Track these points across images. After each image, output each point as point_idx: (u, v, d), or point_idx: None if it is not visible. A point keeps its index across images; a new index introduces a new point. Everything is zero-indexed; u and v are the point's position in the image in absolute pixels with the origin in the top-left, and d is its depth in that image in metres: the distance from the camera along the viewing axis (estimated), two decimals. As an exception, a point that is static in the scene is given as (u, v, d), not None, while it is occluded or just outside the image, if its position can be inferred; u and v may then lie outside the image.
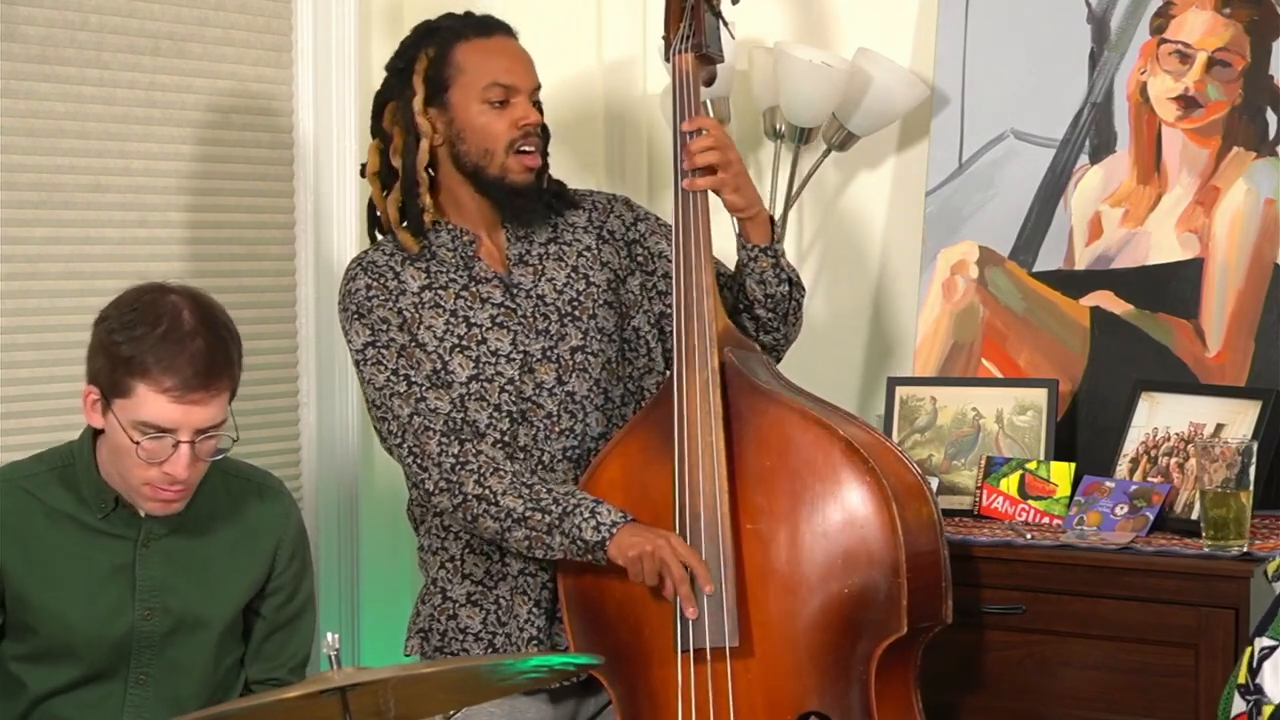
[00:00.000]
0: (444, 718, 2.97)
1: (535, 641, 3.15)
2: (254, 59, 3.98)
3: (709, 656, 2.99)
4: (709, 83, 3.24)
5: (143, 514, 2.96)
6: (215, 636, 3.02)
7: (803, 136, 3.88)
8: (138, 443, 2.84)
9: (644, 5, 4.07)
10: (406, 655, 3.27)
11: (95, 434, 2.96)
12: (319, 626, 3.79)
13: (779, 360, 3.29)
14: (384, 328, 3.11)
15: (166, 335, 2.84)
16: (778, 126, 3.89)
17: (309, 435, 4.09)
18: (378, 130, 3.21)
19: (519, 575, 3.15)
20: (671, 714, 3.02)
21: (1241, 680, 2.66)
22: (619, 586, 3.04)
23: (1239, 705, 2.66)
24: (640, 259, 3.27)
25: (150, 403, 2.83)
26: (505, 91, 3.13)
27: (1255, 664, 2.65)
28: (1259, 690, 2.64)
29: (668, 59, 3.21)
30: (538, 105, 3.19)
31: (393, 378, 3.09)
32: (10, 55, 3.55)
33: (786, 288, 3.19)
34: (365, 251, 3.20)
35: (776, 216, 3.85)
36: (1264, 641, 2.66)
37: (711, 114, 3.88)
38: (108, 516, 2.95)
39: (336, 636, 2.44)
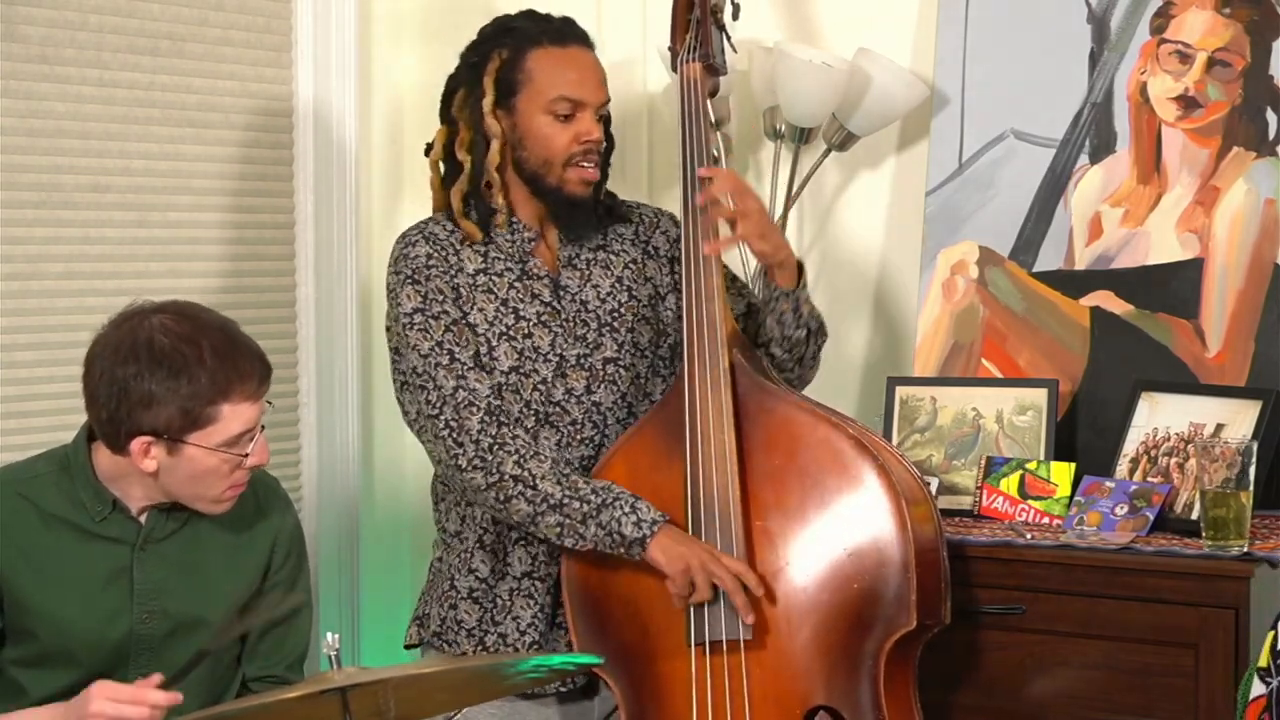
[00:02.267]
0: (445, 718, 2.97)
1: (534, 646, 3.15)
2: (254, 59, 3.98)
3: (724, 649, 3.02)
4: (713, 92, 3.28)
5: (141, 518, 2.96)
6: (213, 637, 3.02)
7: (803, 136, 3.88)
8: (242, 454, 2.88)
9: (644, 6, 4.07)
10: (406, 646, 3.27)
11: (90, 438, 2.95)
12: (319, 625, 3.78)
13: None
14: (438, 298, 3.11)
15: (217, 352, 2.86)
16: (778, 126, 3.90)
17: (309, 435, 4.09)
18: (445, 115, 3.21)
19: (522, 578, 3.16)
20: (679, 709, 3.04)
21: (1263, 664, 2.66)
22: (624, 585, 3.06)
23: (1258, 689, 2.65)
24: (679, 277, 3.26)
25: (239, 414, 2.87)
26: (571, 105, 3.13)
27: None
28: None
29: (674, 69, 3.25)
30: (605, 119, 3.19)
31: (437, 348, 3.09)
32: (10, 55, 3.55)
33: (804, 333, 3.21)
34: (425, 222, 3.20)
35: (776, 216, 3.86)
36: None
37: (713, 117, 3.90)
38: (105, 520, 2.94)
39: (336, 636, 2.44)
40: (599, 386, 3.18)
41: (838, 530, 3.02)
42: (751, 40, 3.97)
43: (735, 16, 3.31)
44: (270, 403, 2.95)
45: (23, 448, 3.33)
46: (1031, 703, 3.24)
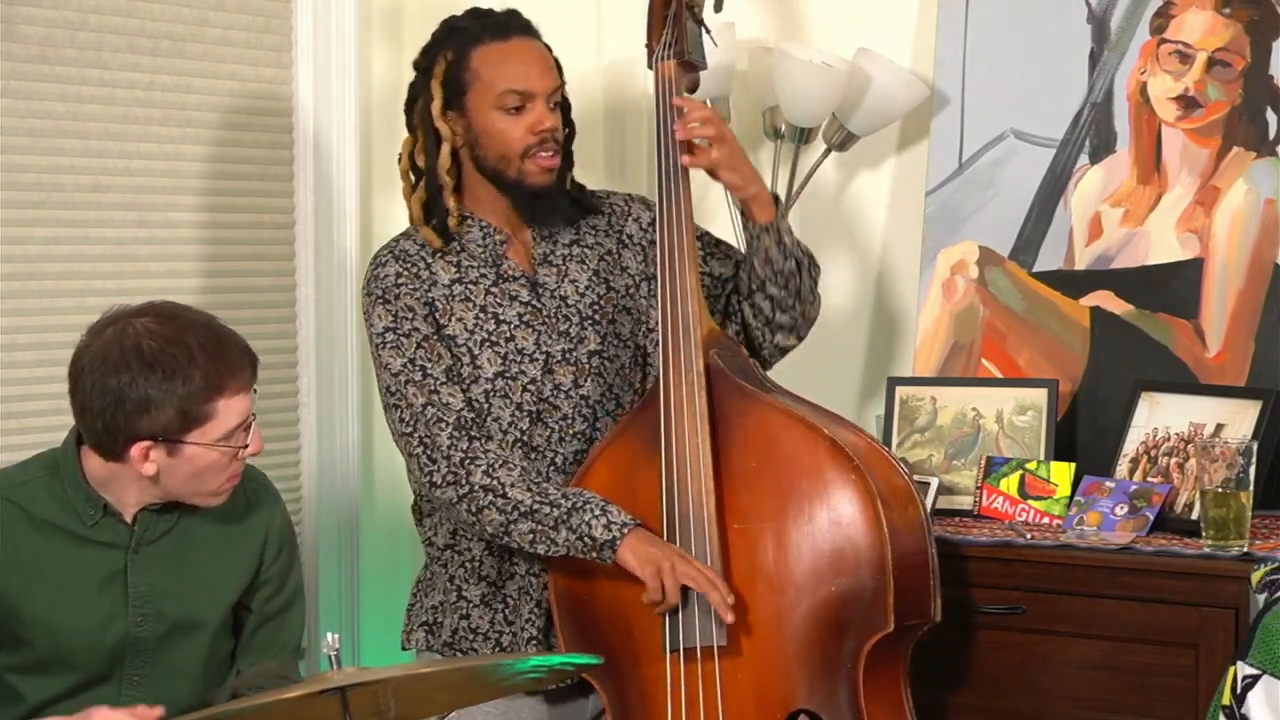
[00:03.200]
0: (439, 718, 2.98)
1: (534, 641, 3.15)
2: (254, 59, 3.98)
3: (698, 656, 3.01)
4: (692, 89, 3.27)
5: (133, 522, 2.96)
6: (209, 636, 3.02)
7: (803, 136, 3.88)
8: (241, 445, 2.90)
9: (644, 5, 4.06)
10: (405, 649, 3.27)
11: (79, 442, 2.95)
12: (319, 625, 3.78)
13: (801, 339, 3.30)
14: (408, 316, 3.12)
15: (206, 349, 2.86)
16: (778, 126, 3.90)
17: (309, 435, 4.09)
18: (409, 124, 3.22)
19: (525, 575, 3.16)
20: (662, 713, 3.03)
21: (1225, 702, 2.66)
22: (609, 588, 3.06)
23: None
24: (654, 264, 3.26)
25: (234, 408, 2.88)
26: (520, 98, 3.13)
27: (1239, 691, 2.65)
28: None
29: (651, 66, 3.23)
30: (561, 104, 3.20)
31: (409, 365, 3.10)
32: (10, 55, 3.55)
33: (794, 265, 3.21)
34: (396, 239, 3.22)
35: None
36: (1245, 669, 2.65)
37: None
38: (96, 525, 2.94)
39: (336, 636, 2.44)
40: (586, 380, 3.18)
41: (812, 533, 3.00)
42: (751, 40, 3.97)
43: (718, 8, 3.30)
44: (255, 389, 2.96)
45: (23, 448, 3.33)
46: (1032, 703, 3.24)
